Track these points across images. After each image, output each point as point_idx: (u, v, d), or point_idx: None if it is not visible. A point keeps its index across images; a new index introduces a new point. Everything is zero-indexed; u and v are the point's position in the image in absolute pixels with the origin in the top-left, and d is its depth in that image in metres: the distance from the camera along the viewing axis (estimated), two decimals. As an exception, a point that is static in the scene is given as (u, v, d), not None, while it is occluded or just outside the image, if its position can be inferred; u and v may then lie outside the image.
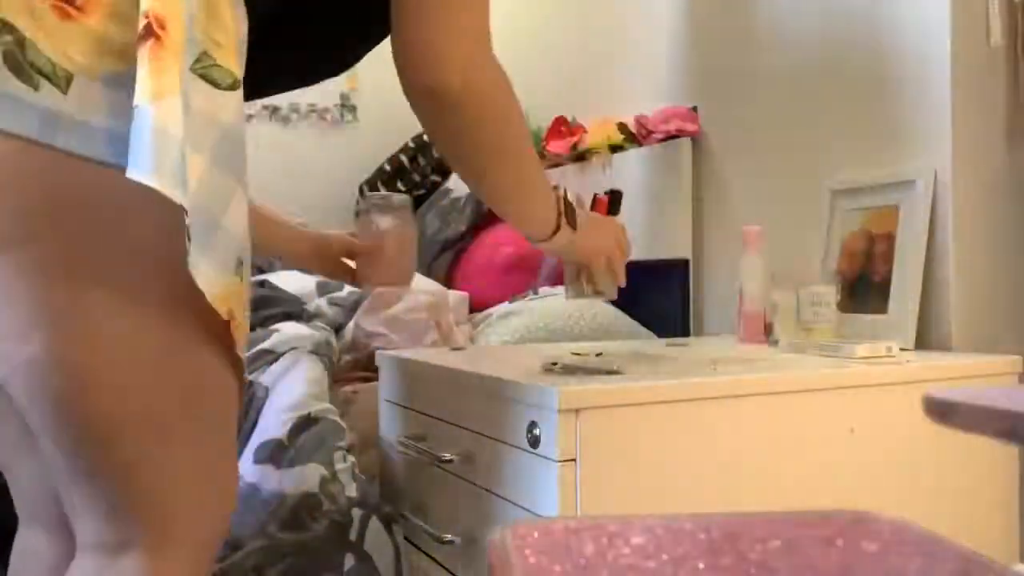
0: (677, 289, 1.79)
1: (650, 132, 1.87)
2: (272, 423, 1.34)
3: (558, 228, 1.05)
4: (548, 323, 1.73)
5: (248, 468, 1.29)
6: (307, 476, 1.24)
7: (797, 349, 1.28)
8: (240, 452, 1.35)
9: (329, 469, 1.25)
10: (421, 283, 1.83)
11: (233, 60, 0.71)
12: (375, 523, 1.20)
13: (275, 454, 1.29)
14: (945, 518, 1.12)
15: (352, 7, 0.96)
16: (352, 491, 1.22)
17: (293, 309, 1.86)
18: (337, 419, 1.36)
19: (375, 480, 1.42)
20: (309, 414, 1.35)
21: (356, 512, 1.20)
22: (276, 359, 1.49)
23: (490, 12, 0.86)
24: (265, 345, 1.52)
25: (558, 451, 0.88)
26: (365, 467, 1.42)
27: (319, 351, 1.53)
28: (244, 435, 1.38)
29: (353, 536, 1.19)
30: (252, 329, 1.72)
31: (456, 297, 1.89)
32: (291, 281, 2.14)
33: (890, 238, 1.36)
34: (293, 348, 1.52)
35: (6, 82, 0.63)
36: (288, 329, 1.60)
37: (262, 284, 2.01)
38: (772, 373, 1.01)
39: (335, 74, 1.08)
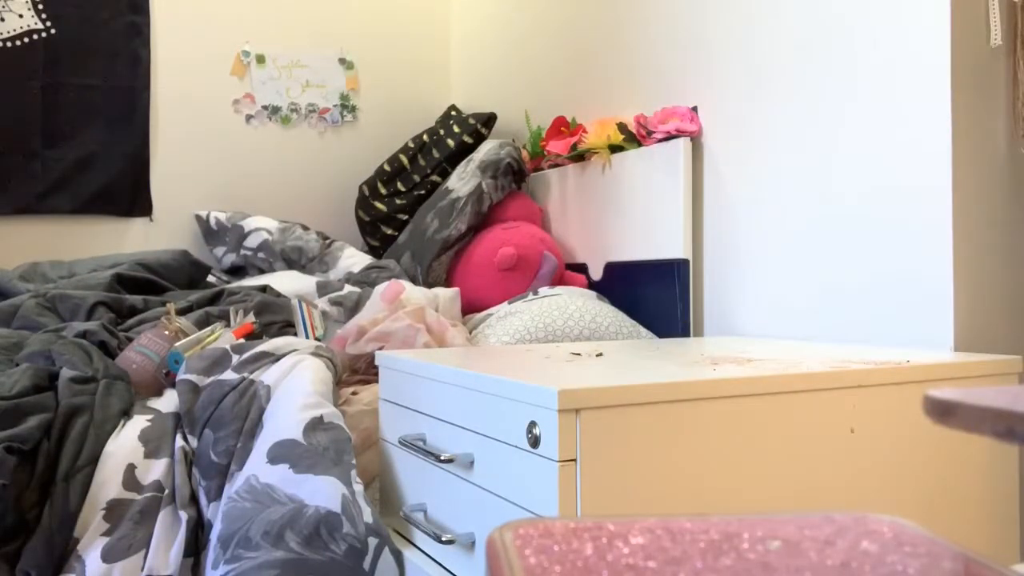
0: (677, 289, 1.79)
1: (650, 132, 1.87)
2: (284, 423, 1.34)
3: None
4: (548, 323, 1.73)
5: (262, 468, 1.28)
6: (328, 491, 1.23)
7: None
8: (247, 451, 1.35)
9: (349, 489, 1.25)
10: (409, 289, 1.83)
11: None
12: (387, 555, 1.20)
13: (291, 455, 1.29)
14: (945, 518, 1.12)
15: None
16: (368, 517, 1.22)
17: (293, 319, 1.86)
18: (344, 426, 1.36)
19: (375, 481, 1.42)
20: (321, 416, 1.35)
21: (371, 541, 1.20)
22: (276, 360, 1.49)
23: None
24: (264, 348, 1.52)
25: (558, 451, 0.88)
26: (365, 467, 1.42)
27: (322, 353, 1.53)
28: (247, 433, 1.38)
29: (367, 565, 1.19)
30: (256, 336, 1.72)
31: (446, 295, 1.88)
32: (292, 282, 2.14)
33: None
34: (295, 350, 1.52)
35: None
36: (288, 338, 1.61)
37: (263, 289, 2.01)
38: (772, 373, 1.01)
39: None
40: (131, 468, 1.36)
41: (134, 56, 2.50)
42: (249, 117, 2.66)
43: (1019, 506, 1.21)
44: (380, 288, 1.83)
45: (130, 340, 1.65)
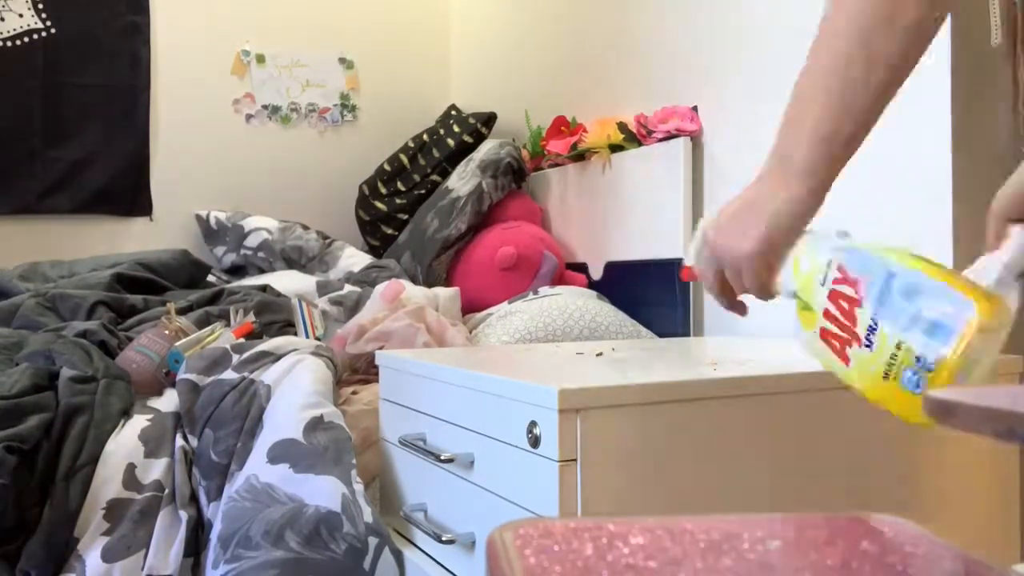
0: (677, 289, 1.79)
1: (650, 132, 1.87)
2: (285, 423, 1.34)
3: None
4: (548, 323, 1.73)
5: (262, 467, 1.28)
6: (328, 491, 1.23)
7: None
8: (247, 450, 1.35)
9: (349, 489, 1.25)
10: (409, 289, 1.83)
11: None
12: (387, 555, 1.20)
13: (291, 454, 1.29)
14: (945, 518, 1.12)
15: None
16: (368, 517, 1.22)
17: (293, 319, 1.86)
18: (345, 426, 1.36)
19: (375, 481, 1.42)
20: (321, 416, 1.35)
21: (372, 540, 1.20)
22: (277, 360, 1.49)
23: None
24: (264, 347, 1.52)
25: (558, 451, 0.88)
26: (365, 466, 1.42)
27: (321, 352, 1.53)
28: (248, 433, 1.38)
29: (367, 565, 1.19)
30: (256, 336, 1.72)
31: (446, 295, 1.88)
32: (292, 282, 2.14)
33: (890, 238, 1.35)
34: (295, 349, 1.52)
35: None
36: (288, 338, 1.61)
37: (263, 288, 2.00)
38: (772, 373, 1.01)
39: None
40: (131, 468, 1.36)
41: (134, 56, 2.50)
42: (249, 117, 2.66)
43: (1019, 506, 1.21)
44: (380, 287, 1.84)
45: (130, 340, 1.65)
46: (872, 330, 0.72)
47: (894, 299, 0.70)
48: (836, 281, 0.76)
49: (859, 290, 0.74)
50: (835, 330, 0.76)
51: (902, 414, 0.73)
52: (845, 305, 0.74)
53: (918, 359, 0.69)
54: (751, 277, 0.83)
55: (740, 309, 0.90)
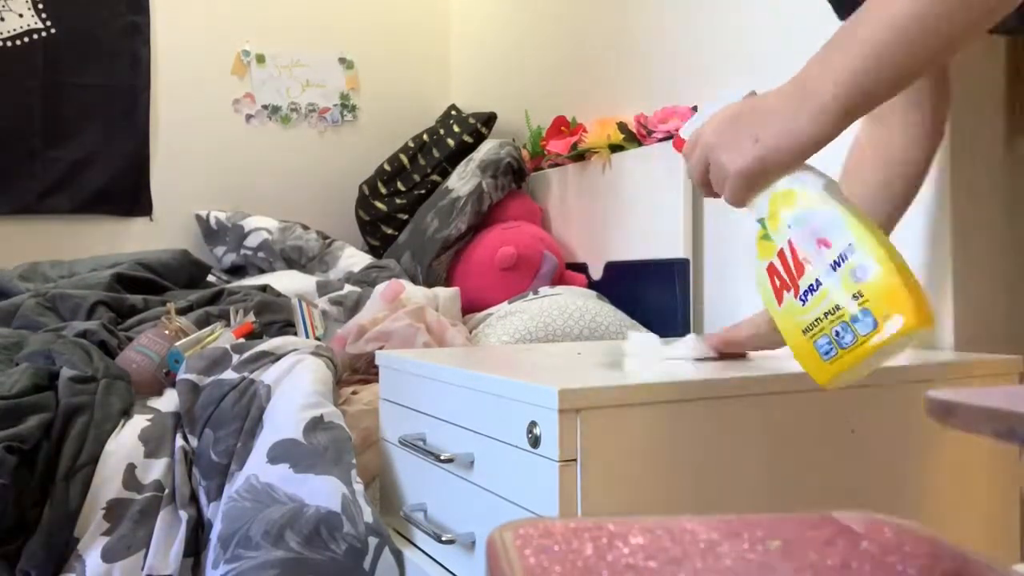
0: (677, 289, 1.79)
1: (650, 131, 1.87)
2: (285, 423, 1.34)
3: None
4: (548, 323, 1.73)
5: (262, 467, 1.28)
6: (328, 491, 1.23)
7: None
8: (247, 450, 1.35)
9: (349, 489, 1.25)
10: (409, 289, 1.83)
11: None
12: (387, 555, 1.20)
13: (291, 454, 1.29)
14: (945, 518, 1.12)
15: None
16: (368, 517, 1.22)
17: (293, 319, 1.86)
18: (345, 426, 1.36)
19: (376, 481, 1.42)
20: (321, 416, 1.35)
21: (372, 540, 1.20)
22: (277, 360, 1.49)
23: None
24: (264, 347, 1.52)
25: (558, 451, 0.88)
26: (365, 466, 1.42)
27: (321, 352, 1.53)
28: (248, 433, 1.38)
29: (367, 565, 1.19)
30: (256, 336, 1.72)
31: (446, 294, 1.88)
32: (292, 282, 2.14)
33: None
34: (295, 349, 1.52)
35: None
36: (288, 338, 1.61)
37: (263, 288, 2.00)
38: (772, 373, 1.01)
39: None
40: (131, 468, 1.36)
41: (134, 56, 2.50)
42: (249, 117, 2.66)
43: (1019, 506, 1.21)
44: (380, 287, 1.84)
45: (130, 340, 1.66)
46: (812, 290, 0.78)
47: (842, 272, 0.75)
48: (800, 230, 0.79)
49: (816, 249, 0.78)
50: (781, 271, 0.81)
51: (806, 368, 0.80)
52: (799, 256, 0.79)
53: (837, 333, 0.76)
54: (730, 190, 0.83)
55: (717, 197, 0.89)
